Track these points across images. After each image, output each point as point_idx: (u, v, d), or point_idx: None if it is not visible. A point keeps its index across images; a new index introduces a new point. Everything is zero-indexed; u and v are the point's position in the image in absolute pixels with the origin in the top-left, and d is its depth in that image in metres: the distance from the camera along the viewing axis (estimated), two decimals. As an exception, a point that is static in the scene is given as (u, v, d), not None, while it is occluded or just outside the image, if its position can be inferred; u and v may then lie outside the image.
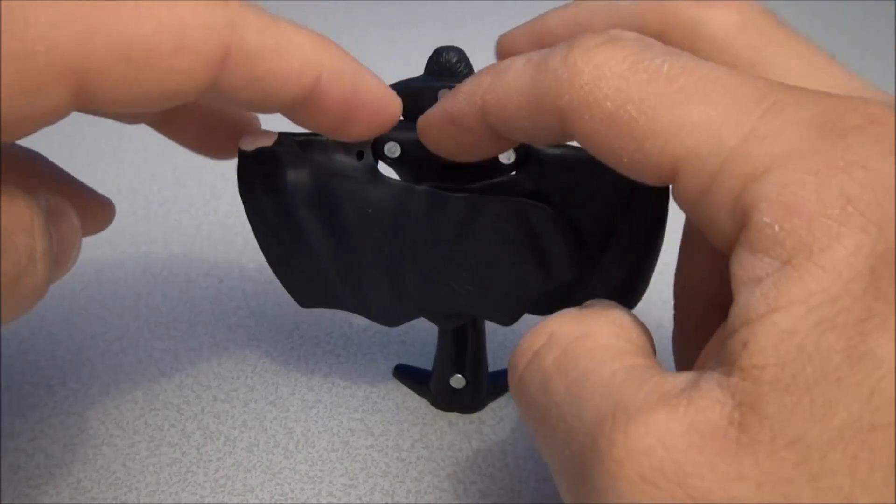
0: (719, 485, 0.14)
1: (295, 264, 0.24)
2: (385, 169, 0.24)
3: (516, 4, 0.18)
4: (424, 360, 0.30)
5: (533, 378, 0.18)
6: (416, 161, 0.23)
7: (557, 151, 0.23)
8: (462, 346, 0.27)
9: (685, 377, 0.15)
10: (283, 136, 0.23)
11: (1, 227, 0.16)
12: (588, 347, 0.17)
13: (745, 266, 0.15)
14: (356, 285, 0.24)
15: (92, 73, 0.16)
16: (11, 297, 0.17)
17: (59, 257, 0.19)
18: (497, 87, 0.19)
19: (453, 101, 0.20)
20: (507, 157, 0.23)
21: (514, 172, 0.23)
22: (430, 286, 0.24)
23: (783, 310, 0.14)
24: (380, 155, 0.23)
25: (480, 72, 0.20)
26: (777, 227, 0.14)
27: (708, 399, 0.14)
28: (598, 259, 0.24)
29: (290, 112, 0.20)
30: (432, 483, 0.26)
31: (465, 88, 0.20)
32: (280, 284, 0.25)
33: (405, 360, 0.31)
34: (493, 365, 0.29)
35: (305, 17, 0.28)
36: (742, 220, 0.15)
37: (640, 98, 0.16)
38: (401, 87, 0.22)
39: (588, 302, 0.20)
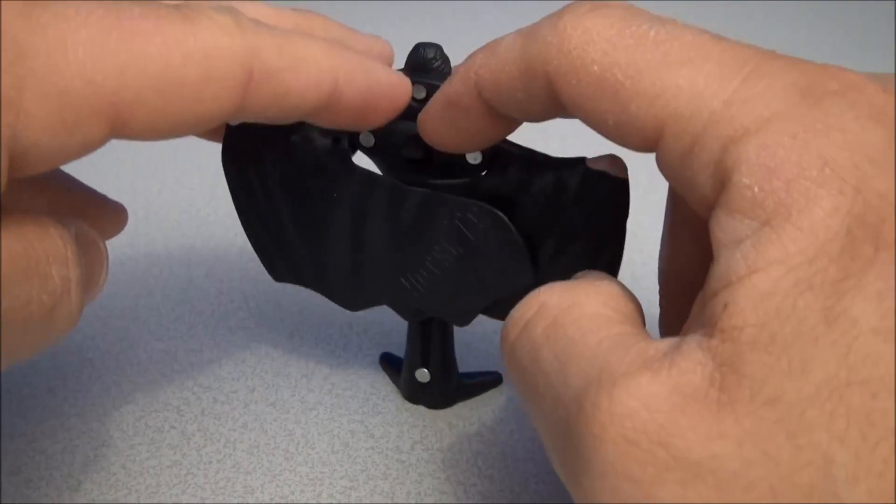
0: (701, 444, 0.14)
1: (269, 237, 0.25)
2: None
3: (497, 4, 0.18)
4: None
5: (523, 348, 0.18)
6: (388, 152, 0.24)
7: (524, 153, 0.23)
8: (426, 340, 0.28)
9: (668, 342, 0.16)
10: None
11: (37, 258, 0.17)
12: (576, 317, 0.18)
13: (725, 228, 0.15)
14: (319, 265, 0.25)
15: (126, 104, 0.16)
16: (47, 326, 0.18)
17: (88, 283, 0.19)
18: (490, 61, 0.19)
19: (449, 84, 0.21)
20: (474, 158, 0.23)
21: (481, 174, 0.24)
22: (385, 278, 0.25)
23: (762, 271, 0.14)
24: (356, 143, 0.24)
25: (474, 52, 0.20)
26: (756, 189, 0.15)
27: (689, 361, 0.15)
28: (558, 260, 0.24)
29: (311, 117, 0.20)
30: (432, 485, 0.26)
31: (461, 69, 0.20)
32: (277, 284, 0.26)
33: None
34: (465, 366, 0.29)
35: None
36: (722, 182, 0.15)
37: (627, 62, 0.17)
38: None
39: (578, 273, 0.20)
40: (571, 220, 0.23)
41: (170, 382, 0.30)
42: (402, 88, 0.21)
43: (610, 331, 0.17)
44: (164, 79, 0.17)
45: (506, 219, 0.23)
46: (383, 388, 0.30)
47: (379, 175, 0.24)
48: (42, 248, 0.17)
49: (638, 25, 0.17)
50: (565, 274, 0.22)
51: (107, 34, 0.16)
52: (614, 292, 0.19)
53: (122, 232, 0.26)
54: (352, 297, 0.26)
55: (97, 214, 0.25)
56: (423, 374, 0.28)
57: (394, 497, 0.26)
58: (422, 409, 0.29)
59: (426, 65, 0.22)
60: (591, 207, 0.23)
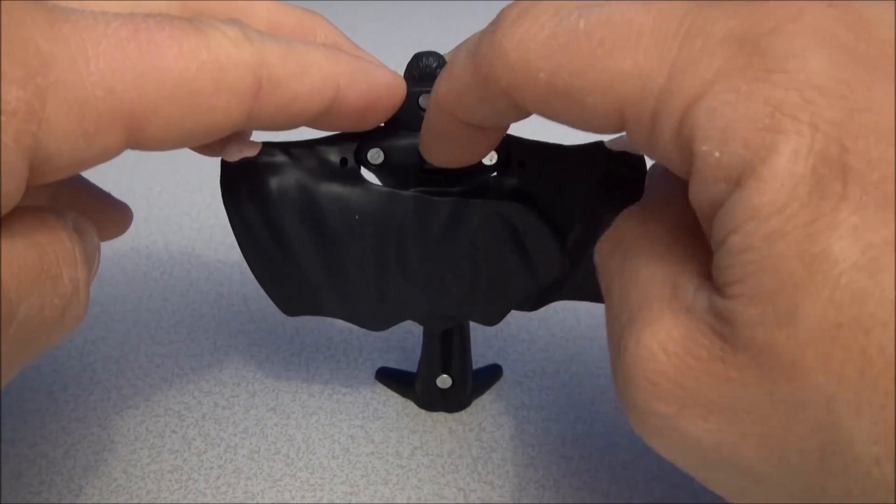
0: (713, 385, 0.15)
1: (279, 273, 0.24)
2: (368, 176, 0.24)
3: (497, 7, 0.18)
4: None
5: (602, 278, 0.20)
6: (400, 167, 0.23)
7: (539, 146, 0.23)
8: (448, 346, 0.28)
9: (696, 286, 0.16)
10: (266, 146, 0.23)
11: (49, 263, 0.17)
12: (641, 249, 0.18)
13: (702, 196, 0.15)
14: (341, 290, 0.25)
15: (143, 113, 0.17)
16: (57, 328, 0.18)
17: None
18: (450, 89, 0.20)
19: (428, 116, 0.21)
20: (489, 159, 0.23)
21: (496, 173, 0.24)
22: (416, 290, 0.25)
23: (736, 231, 0.15)
24: (363, 162, 0.24)
25: (437, 79, 0.20)
26: (717, 154, 0.15)
27: (699, 310, 0.16)
28: (588, 244, 0.24)
29: (313, 122, 0.21)
30: (432, 490, 0.26)
31: (431, 99, 0.21)
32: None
33: (406, 366, 0.31)
34: (476, 362, 0.30)
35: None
36: (688, 153, 0.16)
37: (568, 61, 0.17)
38: None
39: (652, 191, 0.20)
40: (596, 203, 0.23)
41: (170, 387, 0.30)
42: (398, 87, 0.22)
43: (663, 267, 0.17)
44: (179, 89, 0.17)
45: (535, 213, 0.23)
46: (383, 394, 0.30)
47: (399, 191, 0.23)
48: (53, 251, 0.17)
49: (567, 19, 0.17)
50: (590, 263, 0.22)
51: (126, 45, 0.16)
52: (682, 223, 0.19)
53: (123, 236, 0.26)
54: (379, 316, 0.25)
55: (102, 213, 0.25)
56: (444, 381, 0.28)
57: (394, 502, 0.26)
58: (422, 414, 0.29)
59: (430, 74, 0.22)
60: (613, 188, 0.23)
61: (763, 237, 0.14)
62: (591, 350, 0.32)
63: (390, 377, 0.30)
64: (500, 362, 0.31)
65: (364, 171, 0.24)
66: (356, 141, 0.23)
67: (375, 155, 0.24)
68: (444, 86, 0.20)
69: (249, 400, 0.29)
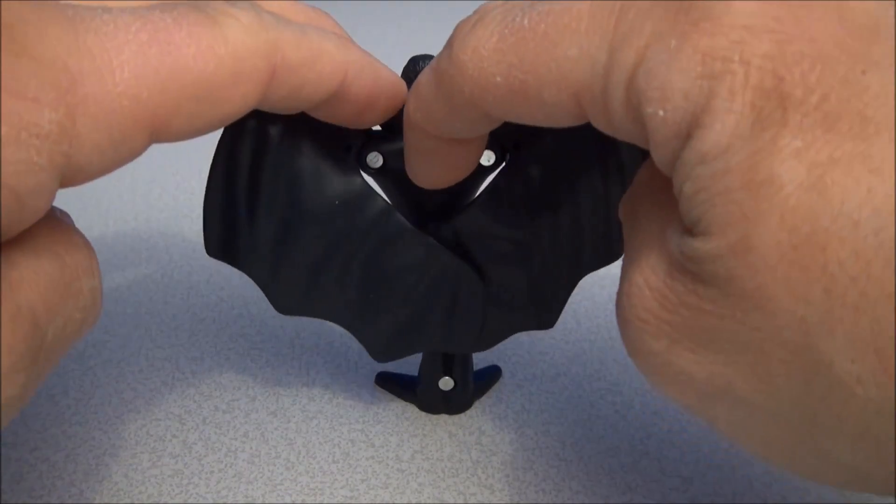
0: (692, 319, 0.16)
1: (229, 219, 0.24)
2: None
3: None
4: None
5: (623, 225, 0.20)
6: (398, 171, 0.23)
7: (533, 129, 0.23)
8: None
9: (673, 234, 0.16)
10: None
11: (70, 276, 0.17)
12: (646, 197, 0.19)
13: (662, 159, 0.16)
14: (276, 258, 0.24)
15: (166, 114, 0.17)
16: (74, 339, 0.18)
17: None
18: (419, 108, 0.20)
19: (405, 137, 0.22)
20: (486, 159, 0.24)
21: (496, 172, 0.24)
22: (344, 293, 0.25)
23: (689, 177, 0.15)
24: (362, 166, 0.24)
25: (407, 98, 0.21)
26: (661, 112, 0.15)
27: (676, 252, 0.16)
28: (608, 196, 0.24)
29: (315, 110, 0.21)
30: (433, 494, 0.26)
31: (404, 119, 0.21)
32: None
33: (405, 370, 0.31)
34: (476, 365, 0.30)
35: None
36: (641, 122, 0.16)
37: (519, 60, 0.17)
38: None
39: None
40: (599, 178, 0.24)
41: (171, 391, 0.30)
42: (400, 87, 0.22)
43: (659, 215, 0.18)
44: (200, 86, 0.17)
45: (481, 287, 0.25)
46: (384, 398, 0.30)
47: (380, 197, 0.24)
48: (73, 263, 0.17)
49: (513, 21, 0.17)
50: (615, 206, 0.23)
51: (146, 50, 0.17)
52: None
53: (124, 238, 0.26)
54: (294, 301, 0.25)
55: None
56: (446, 383, 0.28)
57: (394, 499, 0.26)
58: (422, 418, 0.29)
59: None
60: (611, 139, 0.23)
61: (711, 177, 0.14)
62: (591, 353, 0.32)
63: (390, 381, 0.30)
64: (500, 366, 0.31)
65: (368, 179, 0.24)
66: (377, 139, 0.24)
67: (374, 159, 0.24)
68: (412, 104, 0.20)
69: (250, 404, 0.29)
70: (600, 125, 0.17)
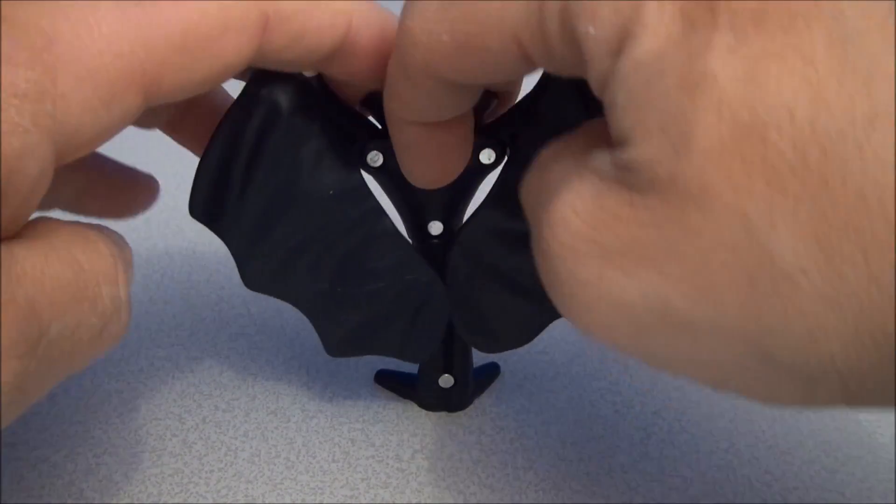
0: (627, 233, 0.15)
1: (220, 184, 0.23)
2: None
3: None
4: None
5: (526, 200, 0.19)
6: (398, 171, 0.23)
7: (523, 107, 0.24)
8: (450, 346, 0.28)
9: (597, 155, 0.16)
10: (311, 79, 0.23)
11: (86, 281, 0.17)
12: (552, 161, 0.18)
13: (598, 79, 0.16)
14: (256, 239, 0.24)
15: (155, 70, 0.17)
16: (95, 347, 0.18)
17: None
18: (390, 95, 0.20)
19: (391, 134, 0.22)
20: (487, 158, 0.24)
21: (499, 168, 0.24)
22: (316, 284, 0.25)
23: (622, 87, 0.15)
24: (363, 163, 0.24)
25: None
26: (592, 30, 0.15)
27: (604, 170, 0.16)
28: None
29: (327, 66, 0.21)
30: (433, 494, 0.26)
31: (385, 114, 0.21)
32: None
33: (405, 368, 0.31)
34: (476, 363, 0.30)
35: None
36: (577, 47, 0.16)
37: (461, 14, 0.17)
38: (375, 95, 0.23)
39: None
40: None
41: (171, 390, 0.30)
42: None
43: (571, 159, 0.17)
44: (186, 38, 0.17)
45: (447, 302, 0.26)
46: (384, 397, 0.30)
47: (383, 212, 0.24)
48: (92, 269, 0.17)
49: None
50: None
51: (123, 4, 0.16)
52: (595, 132, 0.19)
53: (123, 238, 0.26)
54: (265, 282, 0.25)
55: (128, 188, 0.25)
56: (446, 380, 0.28)
57: (395, 499, 0.26)
58: (422, 416, 0.29)
59: None
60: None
61: (646, 82, 0.14)
62: (591, 352, 0.32)
63: (390, 379, 0.30)
64: (499, 365, 0.31)
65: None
66: (381, 136, 0.23)
67: (375, 157, 0.24)
68: (385, 94, 0.20)
69: (250, 403, 0.29)
70: (543, 62, 0.17)
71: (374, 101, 0.23)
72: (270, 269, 0.25)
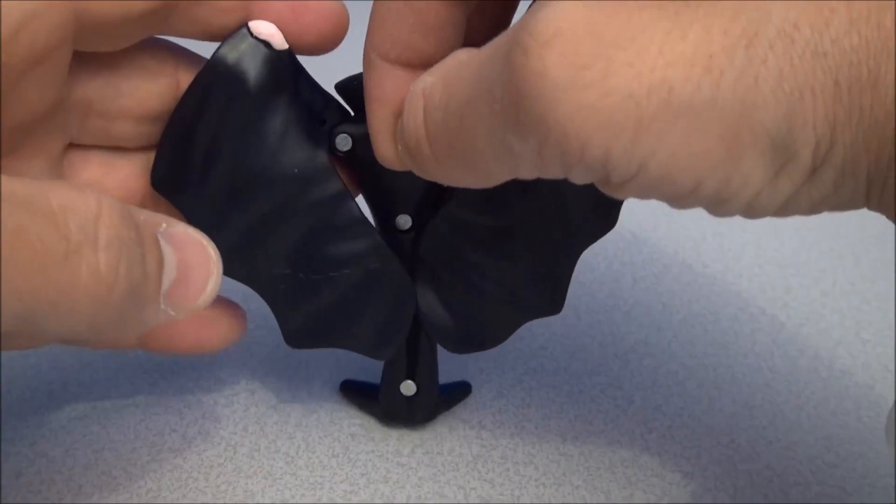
0: (629, 19, 0.15)
1: (182, 155, 0.23)
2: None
3: None
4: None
5: (431, 113, 0.19)
6: (367, 159, 0.23)
7: None
8: (414, 348, 0.27)
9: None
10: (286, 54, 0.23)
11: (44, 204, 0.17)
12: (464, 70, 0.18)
13: None
14: (216, 214, 0.23)
15: None
16: (63, 274, 0.17)
17: (179, 282, 0.20)
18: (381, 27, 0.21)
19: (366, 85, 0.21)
20: None
21: None
22: (288, 270, 0.24)
23: None
24: (331, 148, 0.24)
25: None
26: None
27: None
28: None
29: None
30: (432, 489, 0.26)
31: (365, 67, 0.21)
32: None
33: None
34: (476, 361, 0.30)
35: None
36: None
37: None
38: (351, 80, 0.23)
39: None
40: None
41: (170, 385, 0.30)
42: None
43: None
44: None
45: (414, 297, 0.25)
46: (384, 392, 0.30)
47: (352, 199, 0.24)
48: (61, 204, 0.17)
49: None
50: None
51: None
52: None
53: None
54: (239, 266, 0.24)
55: (216, 321, 0.24)
56: (408, 387, 0.27)
57: (394, 500, 0.26)
58: (422, 412, 0.29)
59: None
60: None
61: None
62: (592, 348, 0.32)
63: (353, 390, 0.29)
64: (499, 360, 0.31)
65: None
66: (352, 121, 0.23)
67: (343, 141, 0.23)
68: (371, 26, 0.21)
69: (249, 398, 0.29)
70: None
71: (350, 88, 0.23)
72: (228, 246, 0.23)
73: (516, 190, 0.23)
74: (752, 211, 0.17)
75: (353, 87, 0.23)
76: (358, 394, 0.29)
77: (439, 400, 0.28)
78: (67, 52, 0.20)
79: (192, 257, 0.20)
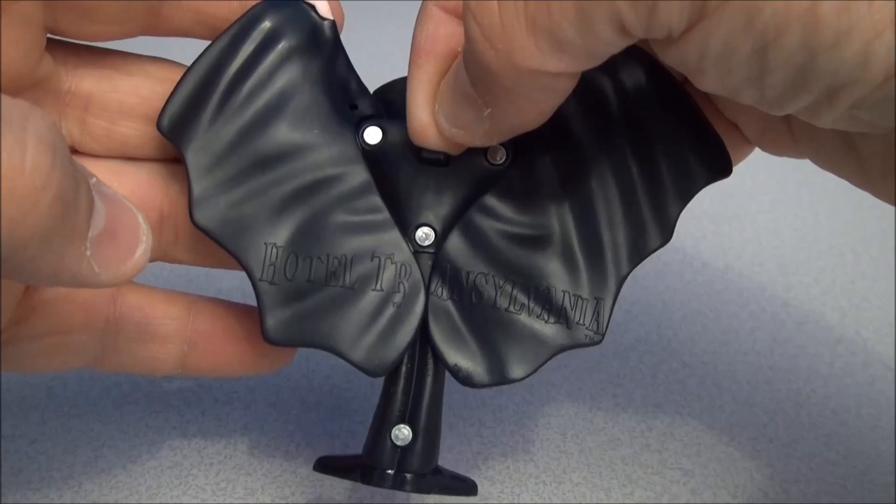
0: None
1: (198, 101, 0.22)
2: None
3: None
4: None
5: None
6: (397, 153, 0.22)
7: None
8: (417, 382, 0.22)
9: None
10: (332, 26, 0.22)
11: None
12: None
13: None
14: (219, 166, 0.22)
15: None
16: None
17: (106, 234, 0.18)
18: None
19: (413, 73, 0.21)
20: (500, 157, 0.22)
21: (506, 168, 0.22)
22: (287, 242, 0.22)
23: None
24: (361, 141, 0.22)
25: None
26: None
27: None
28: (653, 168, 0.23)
29: None
30: (433, 486, 0.26)
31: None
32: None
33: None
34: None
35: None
36: None
37: None
38: (388, 88, 0.23)
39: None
40: (638, 122, 0.22)
41: (170, 383, 0.30)
42: None
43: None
44: None
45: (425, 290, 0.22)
46: (383, 389, 0.30)
47: (374, 186, 0.22)
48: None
49: None
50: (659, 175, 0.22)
51: None
52: None
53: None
54: (217, 214, 0.22)
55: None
56: (403, 435, 0.22)
57: (394, 498, 0.26)
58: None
59: None
60: (642, 98, 0.22)
61: None
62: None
63: (329, 465, 0.23)
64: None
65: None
66: (384, 118, 0.23)
67: (373, 133, 0.22)
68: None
69: (249, 395, 0.29)
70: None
71: (386, 92, 0.23)
72: (226, 204, 0.22)
73: (556, 195, 0.22)
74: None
75: (391, 92, 0.23)
76: (335, 468, 0.23)
77: (437, 476, 0.23)
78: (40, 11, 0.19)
79: (122, 216, 0.18)
